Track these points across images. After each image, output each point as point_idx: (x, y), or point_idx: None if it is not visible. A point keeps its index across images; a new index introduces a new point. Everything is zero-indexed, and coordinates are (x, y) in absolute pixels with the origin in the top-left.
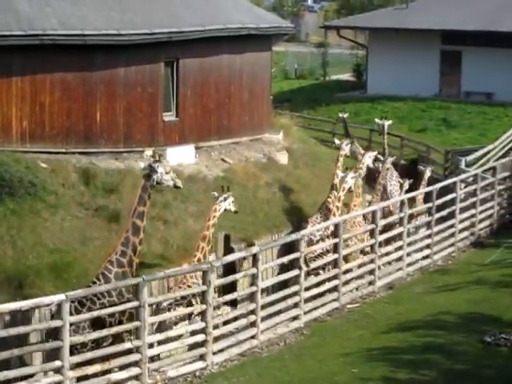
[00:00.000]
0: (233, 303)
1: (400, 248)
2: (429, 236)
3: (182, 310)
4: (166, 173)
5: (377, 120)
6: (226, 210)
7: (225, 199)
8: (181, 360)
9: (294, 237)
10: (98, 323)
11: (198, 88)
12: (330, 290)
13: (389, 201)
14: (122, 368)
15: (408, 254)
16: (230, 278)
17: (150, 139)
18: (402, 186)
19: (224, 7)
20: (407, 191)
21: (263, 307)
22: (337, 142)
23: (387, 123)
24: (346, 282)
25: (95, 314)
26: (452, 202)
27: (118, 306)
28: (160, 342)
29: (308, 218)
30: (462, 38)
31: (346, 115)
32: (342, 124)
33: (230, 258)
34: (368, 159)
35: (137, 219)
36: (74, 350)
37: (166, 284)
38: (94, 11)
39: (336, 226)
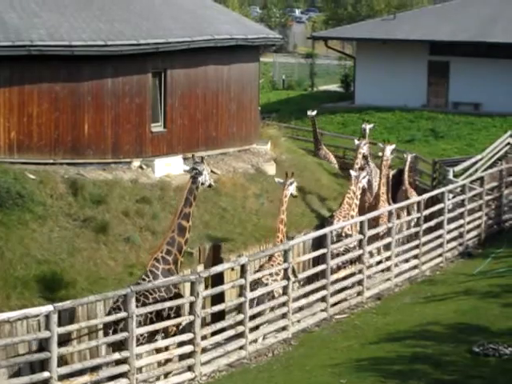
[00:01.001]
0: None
1: (388, 258)
2: (417, 246)
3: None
4: (208, 174)
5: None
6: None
7: (291, 184)
8: (169, 371)
9: (322, 232)
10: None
11: (186, 99)
12: (318, 301)
13: (376, 212)
14: (110, 379)
15: (396, 265)
16: (218, 289)
17: (138, 150)
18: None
19: (211, 18)
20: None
21: (251, 318)
22: (356, 142)
23: (369, 126)
24: (335, 293)
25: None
26: (440, 212)
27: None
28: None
29: (333, 213)
30: (450, 49)
31: (314, 113)
32: (310, 123)
33: (219, 268)
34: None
35: (183, 220)
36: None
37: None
38: (82, 22)
39: (324, 236)
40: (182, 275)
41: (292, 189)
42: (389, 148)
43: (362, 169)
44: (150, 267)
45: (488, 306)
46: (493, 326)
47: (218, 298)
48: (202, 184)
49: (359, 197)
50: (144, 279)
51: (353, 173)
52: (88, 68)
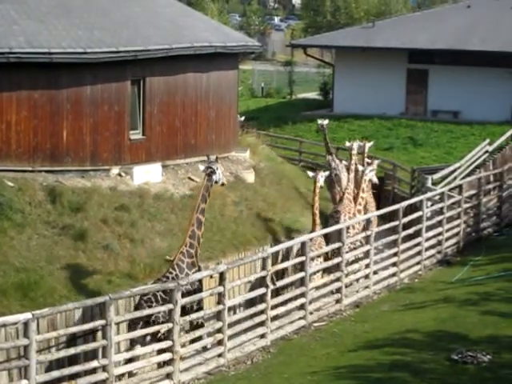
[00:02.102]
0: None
1: (367, 266)
2: (395, 254)
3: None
4: (221, 173)
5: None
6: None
7: (322, 176)
8: (147, 379)
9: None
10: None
11: (165, 106)
12: (296, 308)
13: (356, 219)
14: None
15: (375, 272)
16: (196, 297)
17: (117, 158)
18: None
19: (191, 26)
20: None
21: (230, 325)
22: (347, 144)
23: (366, 145)
24: (313, 301)
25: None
26: (418, 220)
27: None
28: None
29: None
30: (429, 57)
31: (325, 122)
32: (322, 132)
33: (198, 276)
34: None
35: (200, 215)
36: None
37: (132, 302)
38: (62, 30)
39: (302, 244)
40: (161, 283)
41: (322, 179)
42: (356, 145)
43: (369, 164)
44: (176, 261)
45: (466, 313)
46: (471, 334)
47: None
48: (216, 182)
49: (366, 190)
50: (171, 272)
51: (360, 167)
52: (67, 75)
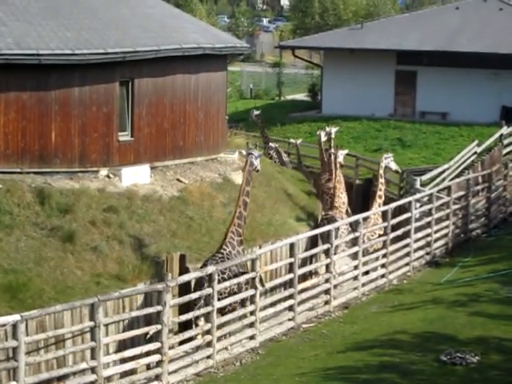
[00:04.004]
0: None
1: (355, 267)
2: (384, 255)
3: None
4: (259, 159)
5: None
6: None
7: (385, 158)
8: (136, 380)
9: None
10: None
11: (153, 108)
12: (285, 310)
13: (342, 221)
14: None
15: (364, 273)
16: (186, 298)
17: (105, 159)
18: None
19: (179, 27)
20: None
21: (219, 327)
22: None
23: (332, 130)
24: (302, 302)
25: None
26: (407, 221)
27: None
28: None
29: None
30: (417, 58)
31: (258, 112)
32: (257, 122)
33: (186, 277)
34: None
35: (246, 197)
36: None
37: (121, 304)
38: (50, 31)
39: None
40: (149, 284)
41: (388, 162)
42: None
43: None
44: (228, 239)
45: (455, 314)
46: (460, 335)
47: (186, 308)
48: (256, 168)
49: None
50: (224, 249)
51: None
52: (55, 77)
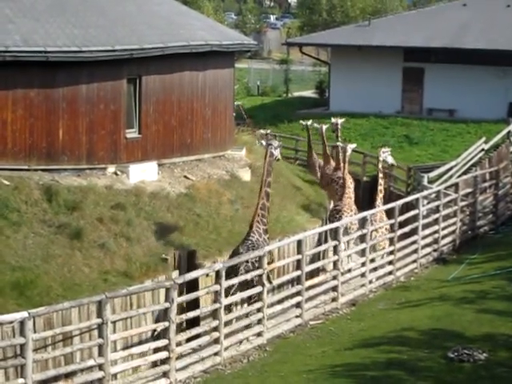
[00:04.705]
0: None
1: (363, 264)
2: (391, 252)
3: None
4: (279, 149)
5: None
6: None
7: (383, 152)
8: (144, 377)
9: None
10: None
11: (161, 105)
12: (292, 307)
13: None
14: None
15: (371, 271)
16: (193, 295)
17: (113, 156)
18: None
19: (186, 24)
20: None
21: (226, 324)
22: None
23: (338, 121)
24: (309, 299)
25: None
26: (414, 218)
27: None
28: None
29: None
30: (425, 55)
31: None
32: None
33: (193, 274)
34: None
35: (268, 188)
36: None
37: (128, 301)
38: (57, 28)
39: (299, 242)
40: (156, 281)
41: (385, 156)
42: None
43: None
44: (254, 228)
45: (462, 311)
46: (467, 332)
47: (193, 305)
48: (276, 157)
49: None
50: (252, 236)
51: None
52: (63, 74)
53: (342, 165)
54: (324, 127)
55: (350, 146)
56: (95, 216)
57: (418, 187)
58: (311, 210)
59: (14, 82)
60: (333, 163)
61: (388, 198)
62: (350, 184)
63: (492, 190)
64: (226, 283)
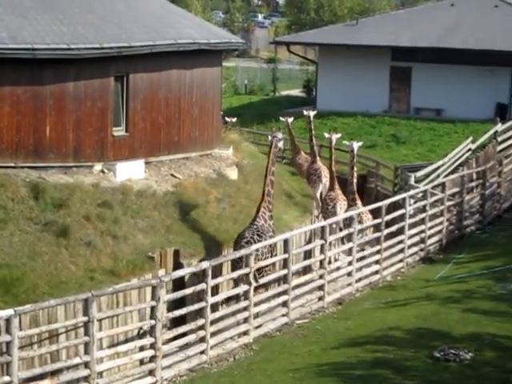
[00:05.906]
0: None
1: (349, 263)
2: (378, 252)
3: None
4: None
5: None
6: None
7: (335, 138)
8: (130, 375)
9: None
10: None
11: (148, 103)
12: (279, 306)
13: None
14: (70, 383)
15: (357, 270)
16: (179, 294)
17: (100, 154)
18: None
19: (174, 22)
20: None
21: (212, 322)
22: (326, 135)
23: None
24: (296, 298)
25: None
26: (401, 217)
27: None
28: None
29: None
30: (412, 55)
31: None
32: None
33: (180, 272)
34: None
35: (272, 176)
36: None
37: (114, 299)
38: (45, 25)
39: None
40: (143, 280)
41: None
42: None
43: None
44: (261, 213)
45: (449, 311)
46: (453, 331)
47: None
48: (280, 148)
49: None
50: (258, 221)
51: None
52: (50, 71)
53: (330, 155)
54: (289, 120)
55: (335, 136)
56: (82, 214)
57: (405, 187)
58: (299, 209)
59: (1, 79)
60: (303, 154)
61: (375, 198)
62: (326, 174)
63: (479, 189)
64: (212, 282)
